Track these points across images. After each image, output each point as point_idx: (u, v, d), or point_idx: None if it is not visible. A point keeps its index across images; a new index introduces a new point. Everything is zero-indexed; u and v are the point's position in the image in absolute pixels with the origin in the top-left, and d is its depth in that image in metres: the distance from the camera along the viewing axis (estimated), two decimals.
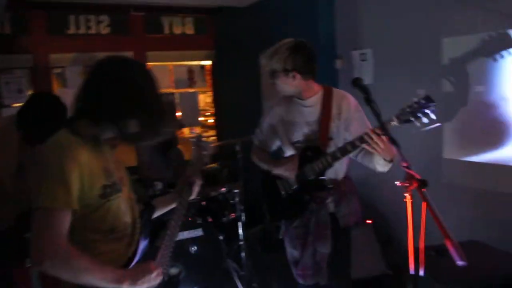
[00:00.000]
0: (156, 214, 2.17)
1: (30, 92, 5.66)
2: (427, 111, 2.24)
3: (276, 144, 2.98)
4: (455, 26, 3.63)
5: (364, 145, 2.42)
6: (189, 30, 6.70)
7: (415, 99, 2.27)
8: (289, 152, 2.84)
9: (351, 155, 2.65)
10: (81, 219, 1.68)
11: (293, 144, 2.78)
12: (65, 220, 1.60)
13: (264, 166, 2.93)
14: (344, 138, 2.68)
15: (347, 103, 2.73)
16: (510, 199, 3.34)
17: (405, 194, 1.71)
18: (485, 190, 3.50)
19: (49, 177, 1.60)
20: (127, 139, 1.77)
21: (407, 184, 1.70)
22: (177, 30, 6.62)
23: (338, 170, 2.74)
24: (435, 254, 2.66)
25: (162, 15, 6.48)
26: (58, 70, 5.97)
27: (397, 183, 1.75)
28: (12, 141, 2.99)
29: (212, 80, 7.19)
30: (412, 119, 2.27)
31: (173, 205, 2.22)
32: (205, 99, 7.70)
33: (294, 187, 2.76)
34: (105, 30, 6.09)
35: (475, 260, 2.85)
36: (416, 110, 2.26)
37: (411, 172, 1.73)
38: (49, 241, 1.55)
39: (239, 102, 6.53)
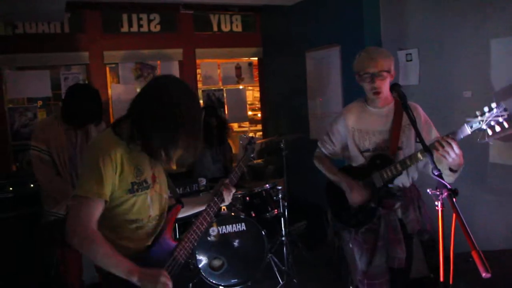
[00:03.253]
0: (183, 214, 2.33)
1: None
2: (500, 119, 2.14)
3: (344, 152, 2.95)
4: (503, 26, 3.55)
5: (434, 153, 2.33)
6: (237, 28, 6.82)
7: (487, 108, 2.17)
8: (358, 159, 2.82)
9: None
10: (110, 207, 1.93)
11: (362, 152, 2.79)
12: (96, 208, 1.86)
13: (329, 175, 2.92)
14: (413, 148, 2.70)
15: (417, 114, 2.71)
16: None
17: (436, 203, 1.73)
18: None
19: (87, 171, 1.90)
20: (156, 152, 1.91)
21: (438, 193, 1.72)
22: (225, 28, 6.75)
23: (404, 178, 2.75)
24: (472, 261, 2.63)
25: (210, 13, 6.63)
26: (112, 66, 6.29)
27: (429, 191, 1.77)
28: (59, 129, 3.37)
29: (259, 76, 7.29)
30: (485, 127, 2.18)
31: (201, 208, 2.30)
32: (253, 94, 7.80)
33: None
34: (155, 28, 6.30)
35: None
36: (489, 118, 2.16)
37: (442, 181, 1.74)
38: (79, 224, 1.82)
39: (285, 98, 6.60)
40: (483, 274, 1.40)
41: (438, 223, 1.73)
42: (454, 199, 1.67)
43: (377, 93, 2.67)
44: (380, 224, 2.74)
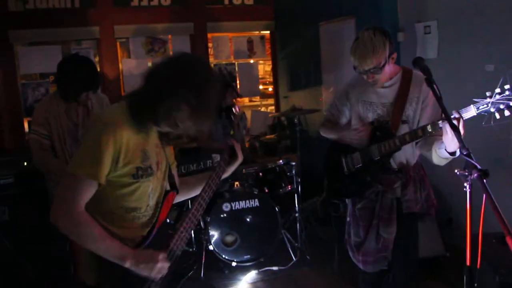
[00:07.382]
0: (180, 198, 2.17)
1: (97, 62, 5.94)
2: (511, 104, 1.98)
3: (347, 123, 2.93)
4: None
5: (435, 132, 2.29)
6: (249, 1, 6.66)
7: (498, 89, 2.00)
8: None
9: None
10: (107, 191, 1.78)
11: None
12: (87, 189, 1.71)
13: (334, 135, 2.91)
14: (419, 123, 2.61)
15: (426, 88, 2.62)
16: None
17: (465, 184, 1.65)
18: None
19: (85, 148, 1.74)
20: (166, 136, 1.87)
21: (467, 174, 1.64)
22: (237, 1, 6.60)
23: (409, 154, 2.68)
24: (495, 242, 2.55)
25: None
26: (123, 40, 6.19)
27: (456, 171, 1.69)
28: (59, 110, 3.27)
29: (271, 50, 7.15)
30: (493, 110, 2.02)
31: (199, 189, 2.11)
32: (264, 67, 7.70)
33: (358, 166, 2.72)
34: (166, 1, 6.17)
35: None
36: (498, 101, 2.00)
37: (471, 161, 1.66)
38: (65, 204, 1.69)
39: (298, 71, 6.49)
40: None
41: (466, 205, 1.66)
42: (484, 180, 1.59)
43: (374, 83, 2.62)
44: (377, 202, 2.70)
